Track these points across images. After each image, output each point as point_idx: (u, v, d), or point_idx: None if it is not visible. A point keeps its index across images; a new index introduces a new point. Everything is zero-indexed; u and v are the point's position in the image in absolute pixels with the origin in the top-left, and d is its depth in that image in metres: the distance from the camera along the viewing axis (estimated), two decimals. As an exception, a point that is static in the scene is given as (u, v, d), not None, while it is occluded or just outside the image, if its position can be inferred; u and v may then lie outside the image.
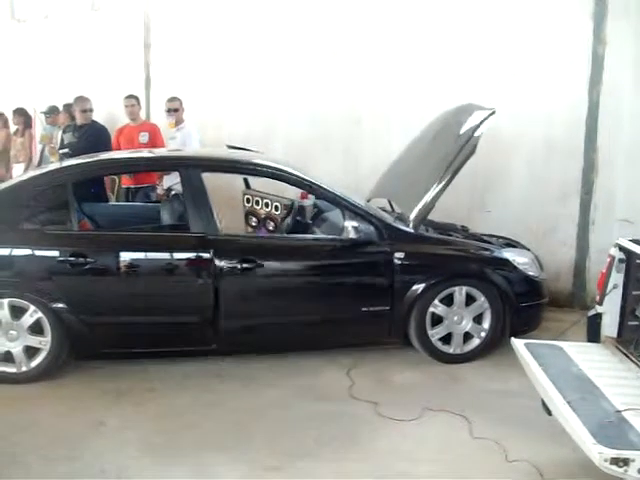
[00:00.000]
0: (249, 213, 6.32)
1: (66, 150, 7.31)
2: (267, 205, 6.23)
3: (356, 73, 7.45)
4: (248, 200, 6.40)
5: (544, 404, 3.40)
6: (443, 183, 4.96)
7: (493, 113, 5.12)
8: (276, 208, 6.17)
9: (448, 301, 4.99)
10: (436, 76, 6.92)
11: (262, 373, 4.87)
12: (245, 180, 6.46)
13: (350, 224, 4.85)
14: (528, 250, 5.49)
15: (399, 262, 4.87)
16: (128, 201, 7.44)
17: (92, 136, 7.37)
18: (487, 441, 3.91)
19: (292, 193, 5.97)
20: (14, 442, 3.85)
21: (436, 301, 4.94)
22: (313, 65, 7.74)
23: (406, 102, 7.08)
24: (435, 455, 3.78)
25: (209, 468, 3.60)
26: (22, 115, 9.46)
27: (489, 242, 5.42)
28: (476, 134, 5.03)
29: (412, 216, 5.01)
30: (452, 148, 5.09)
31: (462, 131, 5.15)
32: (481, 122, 5.08)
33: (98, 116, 7.89)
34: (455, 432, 4.05)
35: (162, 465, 3.63)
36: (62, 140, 7.74)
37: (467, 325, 5.04)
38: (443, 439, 3.98)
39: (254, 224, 6.30)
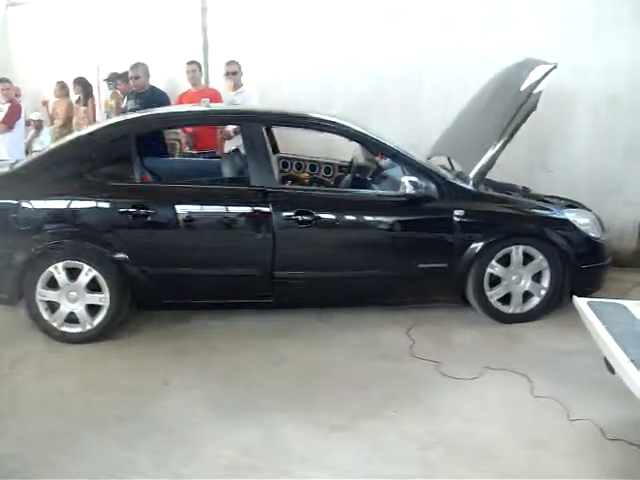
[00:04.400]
0: (288, 178, 6.14)
1: (129, 116, 7.42)
2: (313, 168, 6.24)
3: (416, 27, 7.35)
4: (285, 164, 6.34)
5: (607, 363, 3.37)
6: (503, 141, 4.90)
7: (554, 68, 5.00)
8: (327, 170, 6.18)
9: (506, 261, 4.96)
10: (495, 29, 6.81)
11: (322, 331, 4.95)
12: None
13: (410, 180, 4.81)
14: (590, 211, 5.40)
15: (458, 219, 4.85)
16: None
17: (152, 101, 7.41)
18: (548, 400, 3.92)
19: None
20: (86, 400, 4.00)
21: (493, 262, 4.92)
22: (372, 20, 7.64)
23: (467, 58, 6.98)
24: (496, 414, 3.80)
25: (274, 427, 3.67)
26: (82, 84, 9.61)
27: (549, 202, 5.35)
28: (536, 90, 4.93)
29: (472, 174, 4.98)
30: (512, 105, 5.01)
31: (522, 87, 5.05)
32: (542, 78, 4.97)
33: (158, 82, 7.95)
34: (516, 391, 4.06)
35: (228, 424, 3.71)
36: (126, 107, 7.85)
37: (526, 284, 5.01)
38: (504, 398, 3.99)
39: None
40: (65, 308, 4.69)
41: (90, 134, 5.13)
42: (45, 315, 4.68)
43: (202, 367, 4.42)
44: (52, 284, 4.65)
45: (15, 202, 4.61)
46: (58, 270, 4.61)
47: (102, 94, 9.67)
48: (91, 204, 4.66)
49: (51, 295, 4.66)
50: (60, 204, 4.66)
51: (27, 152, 9.09)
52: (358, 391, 4.07)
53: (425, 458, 3.38)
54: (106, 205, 4.66)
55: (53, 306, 4.69)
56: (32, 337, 4.80)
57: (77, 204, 4.67)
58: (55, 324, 4.70)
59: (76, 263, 4.63)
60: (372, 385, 4.15)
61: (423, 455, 3.40)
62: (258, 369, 4.38)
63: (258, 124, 4.99)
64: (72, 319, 4.73)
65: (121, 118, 5.62)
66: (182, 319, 5.09)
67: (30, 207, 4.62)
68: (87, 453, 3.45)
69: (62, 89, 9.86)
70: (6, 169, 5.00)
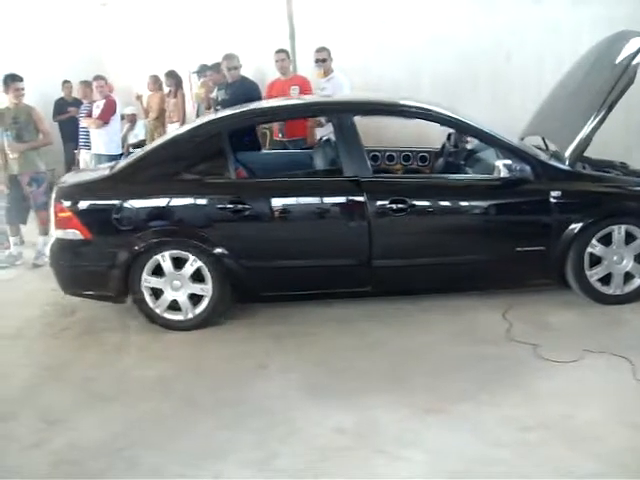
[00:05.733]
0: (380, 171, 5.91)
1: (219, 107, 7.54)
2: (407, 158, 6.20)
3: (503, 4, 7.21)
4: (375, 158, 6.22)
5: None
6: (600, 117, 4.76)
7: (653, 39, 4.80)
8: (422, 159, 6.14)
9: (606, 240, 4.82)
10: (586, 2, 6.60)
11: (417, 315, 4.93)
12: None
13: (504, 163, 4.73)
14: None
15: (555, 201, 4.74)
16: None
17: (243, 92, 7.50)
18: (651, 383, 3.80)
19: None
20: (187, 384, 4.14)
21: (594, 241, 4.79)
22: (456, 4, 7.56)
23: (557, 33, 6.79)
24: (597, 398, 3.71)
25: (370, 410, 3.70)
26: (173, 77, 9.83)
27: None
28: (634, 62, 4.74)
29: (568, 153, 4.86)
30: (608, 79, 4.84)
31: (618, 60, 4.87)
32: (639, 50, 4.78)
33: (247, 72, 8.06)
34: (617, 374, 3.95)
35: (324, 406, 3.76)
36: (217, 98, 7.99)
37: (628, 265, 4.86)
38: (605, 381, 3.89)
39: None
40: (168, 296, 4.84)
41: (185, 134, 5.28)
42: (149, 301, 4.84)
43: (298, 351, 4.49)
44: (158, 272, 4.80)
45: (116, 203, 4.78)
46: (165, 258, 4.76)
47: (192, 86, 9.88)
48: (189, 201, 4.80)
49: (156, 282, 4.82)
50: (160, 203, 4.81)
51: (123, 145, 9.42)
52: (454, 374, 4.05)
53: (524, 440, 3.34)
54: (204, 202, 4.79)
55: (157, 293, 4.85)
56: (134, 325, 5.02)
57: (176, 202, 4.81)
58: (158, 310, 4.86)
59: (182, 253, 4.77)
60: (468, 368, 4.11)
61: (522, 437, 3.36)
62: (353, 353, 4.42)
63: (349, 114, 4.99)
64: (174, 307, 4.88)
65: (214, 116, 5.73)
66: (277, 306, 5.17)
67: (131, 207, 4.78)
68: (189, 433, 3.58)
69: (155, 82, 10.13)
70: (106, 172, 5.20)
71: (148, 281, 4.79)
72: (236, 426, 3.61)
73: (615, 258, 4.85)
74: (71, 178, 5.49)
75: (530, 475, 3.08)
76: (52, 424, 3.73)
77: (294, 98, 6.93)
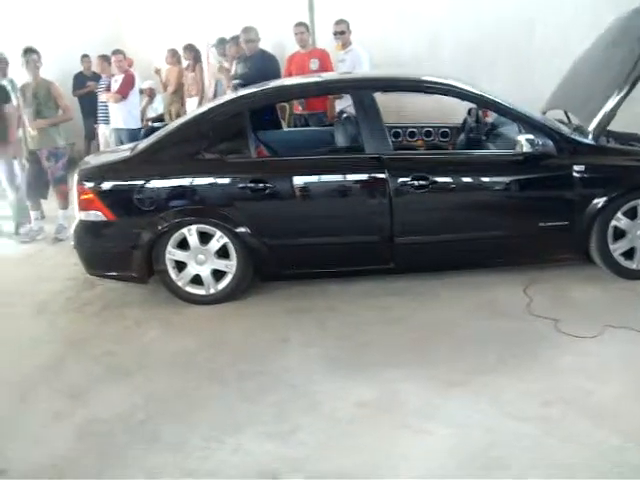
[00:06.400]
0: (402, 148, 5.96)
1: (238, 81, 7.52)
2: (429, 134, 6.15)
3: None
4: (397, 134, 6.20)
5: None
6: (624, 91, 4.68)
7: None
8: (444, 134, 6.09)
9: (631, 214, 4.77)
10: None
11: (438, 290, 4.92)
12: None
13: (526, 138, 4.66)
14: None
15: (579, 175, 4.69)
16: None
17: (262, 65, 7.50)
18: (674, 359, 3.77)
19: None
20: (208, 358, 4.16)
21: (619, 214, 4.74)
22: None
23: (582, 7, 6.68)
24: (618, 373, 3.69)
25: (391, 383, 3.71)
26: (192, 50, 9.83)
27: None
28: None
29: (591, 127, 4.79)
30: (632, 53, 4.76)
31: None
32: None
33: (266, 45, 8.03)
34: (638, 349, 3.93)
35: (346, 380, 3.77)
36: (236, 71, 7.96)
37: (653, 239, 4.81)
38: (626, 357, 3.86)
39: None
40: (192, 270, 4.87)
41: (205, 113, 5.25)
42: (172, 274, 4.87)
43: (320, 326, 4.50)
44: (183, 246, 4.84)
45: (138, 184, 4.80)
46: (191, 232, 4.79)
47: (211, 60, 9.84)
48: (211, 181, 4.80)
49: (180, 255, 4.84)
50: (181, 182, 4.81)
51: (142, 120, 9.41)
52: (475, 348, 4.05)
53: (545, 414, 3.33)
54: (225, 181, 4.79)
55: (180, 266, 4.88)
56: (154, 299, 5.05)
57: (198, 181, 4.81)
58: (180, 283, 4.89)
59: (209, 228, 4.79)
60: (489, 342, 4.11)
61: (543, 412, 3.36)
62: (375, 327, 4.42)
63: (369, 91, 4.96)
64: (197, 281, 4.91)
65: (234, 95, 5.70)
66: (299, 281, 5.17)
67: (153, 187, 4.80)
68: (210, 406, 3.62)
69: (173, 56, 10.12)
70: (127, 153, 5.21)
71: (172, 254, 4.82)
72: (257, 399, 3.63)
73: (639, 232, 4.80)
74: (93, 160, 5.51)
75: (551, 450, 3.07)
76: (75, 398, 3.77)
77: (314, 76, 6.87)
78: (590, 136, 4.81)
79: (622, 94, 4.70)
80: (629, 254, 4.86)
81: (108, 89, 8.99)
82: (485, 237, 4.86)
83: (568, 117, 5.62)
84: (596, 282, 4.86)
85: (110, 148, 8.19)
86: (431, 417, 3.37)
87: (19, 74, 7.26)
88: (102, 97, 9.20)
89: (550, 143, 4.72)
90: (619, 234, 4.81)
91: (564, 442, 3.12)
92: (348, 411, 3.47)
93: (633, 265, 4.86)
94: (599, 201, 4.70)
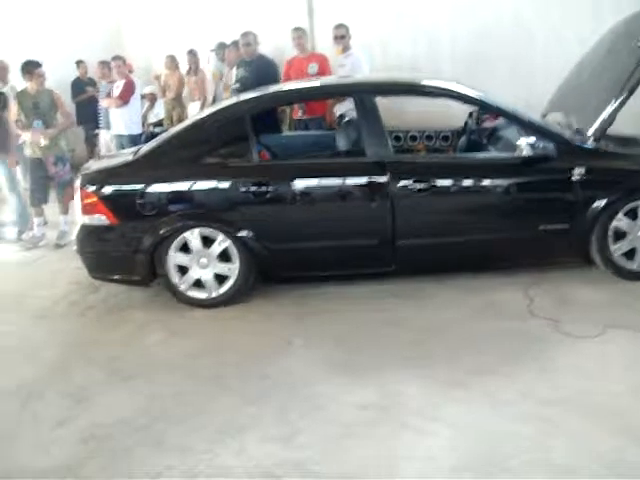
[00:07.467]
0: (403, 151, 5.94)
1: (237, 85, 7.56)
2: (430, 138, 6.16)
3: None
4: (398, 138, 6.17)
5: None
6: (623, 96, 4.72)
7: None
8: (445, 139, 6.11)
9: (632, 215, 4.79)
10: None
11: (439, 292, 4.94)
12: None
13: (527, 141, 4.69)
14: None
15: (579, 178, 4.71)
16: (300, 132, 7.55)
17: (261, 70, 7.52)
18: (673, 359, 3.79)
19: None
20: (211, 361, 4.18)
21: (620, 215, 4.76)
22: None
23: (578, 10, 6.71)
24: (618, 374, 3.71)
25: (392, 385, 3.72)
26: (193, 55, 9.87)
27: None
28: None
29: (591, 131, 4.82)
30: (632, 58, 4.78)
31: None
32: None
33: (265, 50, 8.06)
34: (639, 350, 3.95)
35: (347, 382, 3.78)
36: (236, 76, 7.99)
37: (653, 240, 4.83)
38: (626, 357, 3.88)
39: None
40: (194, 273, 4.89)
41: (207, 117, 5.29)
42: (174, 278, 4.90)
43: (321, 328, 4.52)
44: (185, 249, 4.86)
45: (141, 188, 4.82)
46: (193, 236, 4.81)
47: (211, 64, 9.87)
48: (213, 185, 4.82)
49: (182, 259, 4.86)
50: (183, 186, 4.83)
51: (144, 125, 9.44)
52: (476, 349, 4.07)
53: (545, 415, 3.35)
54: (227, 185, 4.80)
55: (183, 270, 4.89)
56: (157, 303, 5.08)
57: (200, 186, 4.83)
58: (183, 287, 4.91)
59: (211, 232, 4.81)
60: (490, 343, 4.13)
61: (543, 412, 3.37)
62: (376, 329, 4.44)
63: (370, 95, 4.98)
64: (199, 284, 4.93)
65: (235, 100, 5.72)
66: (301, 284, 5.19)
67: (155, 192, 4.82)
68: (212, 409, 3.63)
69: (172, 62, 10.15)
70: (130, 157, 5.23)
71: (175, 257, 4.84)
72: (260, 402, 3.65)
73: (639, 233, 4.82)
74: (94, 164, 5.53)
75: (551, 450, 3.09)
76: (78, 402, 3.79)
77: (314, 79, 6.90)
78: (590, 139, 4.83)
79: (621, 99, 4.73)
80: (630, 255, 4.88)
81: (109, 95, 9.01)
82: (486, 240, 4.89)
83: (569, 120, 5.63)
84: (597, 283, 4.87)
85: (112, 153, 8.22)
86: (432, 418, 3.39)
87: (19, 81, 7.30)
88: (103, 103, 9.23)
89: (551, 146, 4.73)
90: (619, 235, 4.83)
91: (563, 442, 3.13)
92: (351, 413, 3.49)
93: (634, 266, 4.88)
94: (600, 203, 4.72)
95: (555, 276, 5.04)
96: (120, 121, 8.82)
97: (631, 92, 4.72)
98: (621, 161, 4.95)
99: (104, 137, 9.57)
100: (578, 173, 4.71)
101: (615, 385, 3.59)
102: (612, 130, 4.95)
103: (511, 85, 7.01)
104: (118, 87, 8.83)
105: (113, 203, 4.85)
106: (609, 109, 4.77)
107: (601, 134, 4.85)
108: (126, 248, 4.88)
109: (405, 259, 4.91)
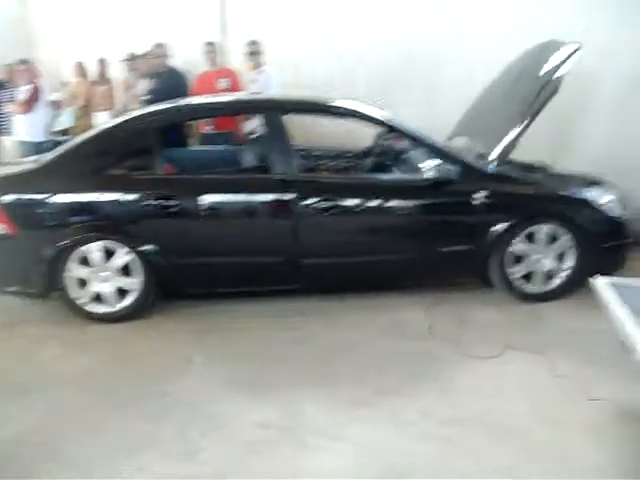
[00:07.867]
0: (309, 170, 5.87)
1: (148, 96, 7.44)
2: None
3: (439, 7, 7.32)
4: (305, 157, 6.11)
5: (624, 344, 3.36)
6: (525, 124, 4.88)
7: (578, 49, 4.90)
8: (336, 157, 6.16)
9: (529, 239, 4.95)
10: (515, 7, 6.78)
11: (344, 312, 4.97)
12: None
13: (431, 164, 4.81)
14: (612, 189, 5.33)
15: (480, 202, 4.84)
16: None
17: (170, 82, 7.45)
18: (568, 379, 3.93)
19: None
20: (109, 378, 4.08)
21: (516, 240, 4.91)
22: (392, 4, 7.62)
23: (488, 36, 6.94)
24: (516, 393, 3.83)
25: (294, 404, 3.72)
26: (102, 64, 9.66)
27: (571, 181, 5.31)
28: (559, 74, 4.87)
29: (493, 156, 4.96)
30: (533, 88, 4.97)
31: (544, 70, 4.99)
32: (565, 60, 4.90)
33: (177, 62, 7.97)
34: (536, 370, 4.07)
35: (248, 400, 3.77)
36: (146, 87, 7.86)
37: (549, 263, 5.00)
38: (524, 377, 4.01)
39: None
40: (94, 287, 4.77)
41: (112, 128, 5.17)
42: (73, 292, 4.76)
43: (224, 346, 4.48)
44: (85, 263, 4.73)
45: (42, 197, 4.67)
46: (94, 248, 4.69)
47: (121, 74, 9.69)
48: (116, 197, 4.71)
49: (82, 272, 4.73)
50: (86, 197, 4.71)
51: (48, 132, 9.14)
52: (378, 369, 4.11)
53: (445, 434, 3.42)
54: (131, 197, 4.71)
55: (81, 284, 4.76)
56: (56, 317, 4.90)
57: (103, 197, 4.71)
58: (82, 301, 4.79)
59: (113, 245, 4.71)
60: (392, 363, 4.18)
61: (443, 431, 3.44)
62: (280, 347, 4.43)
63: (278, 112, 4.99)
64: (100, 298, 4.81)
65: (142, 112, 5.60)
66: (206, 300, 5.12)
67: (56, 202, 4.68)
68: (110, 427, 3.54)
69: (81, 70, 9.90)
70: (32, 165, 5.06)
71: (74, 270, 4.70)
72: (159, 420, 3.58)
73: (536, 257, 4.98)
74: None
75: (451, 468, 3.15)
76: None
77: (224, 94, 6.87)
78: (493, 164, 4.97)
79: (522, 127, 4.89)
80: (528, 278, 5.04)
81: (13, 100, 8.70)
82: (389, 260, 4.96)
83: (473, 145, 5.78)
84: (496, 305, 5.01)
85: (14, 160, 7.93)
86: (335, 437, 3.40)
87: None
88: (7, 108, 8.90)
89: (454, 169, 4.86)
90: (518, 259, 4.99)
91: (462, 460, 3.20)
92: (251, 432, 3.47)
93: (531, 288, 5.05)
94: (499, 227, 4.86)
95: (457, 297, 5.15)
96: (22, 127, 8.52)
97: (533, 118, 4.89)
98: (522, 186, 5.08)
99: (5, 143, 9.23)
100: (479, 196, 4.84)
101: (513, 404, 3.70)
102: (518, 156, 5.12)
103: (426, 109, 7.15)
104: (23, 92, 8.54)
105: (13, 212, 4.68)
106: (512, 134, 4.91)
107: (503, 158, 5.00)
108: (25, 259, 4.72)
109: (310, 277, 4.94)
